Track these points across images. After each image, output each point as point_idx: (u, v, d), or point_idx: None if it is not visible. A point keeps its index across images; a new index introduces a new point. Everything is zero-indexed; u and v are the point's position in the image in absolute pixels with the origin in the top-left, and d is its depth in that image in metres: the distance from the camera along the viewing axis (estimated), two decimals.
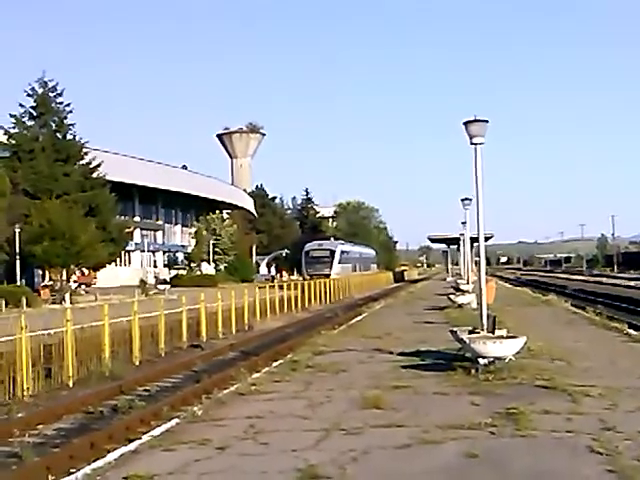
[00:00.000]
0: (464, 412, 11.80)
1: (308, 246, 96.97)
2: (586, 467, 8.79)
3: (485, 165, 18.19)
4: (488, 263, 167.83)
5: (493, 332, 16.36)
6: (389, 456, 9.55)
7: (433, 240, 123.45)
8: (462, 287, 42.72)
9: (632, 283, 70.54)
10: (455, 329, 17.41)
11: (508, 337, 15.81)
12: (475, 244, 38.40)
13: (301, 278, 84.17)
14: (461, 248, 65.92)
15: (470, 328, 17.35)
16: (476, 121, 17.58)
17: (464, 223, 44.14)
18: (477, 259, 24.57)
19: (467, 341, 15.51)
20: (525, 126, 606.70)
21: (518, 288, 68.32)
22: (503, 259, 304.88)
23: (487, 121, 17.73)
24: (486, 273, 20.33)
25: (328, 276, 78.59)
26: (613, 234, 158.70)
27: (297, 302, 53.45)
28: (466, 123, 17.63)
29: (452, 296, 37.68)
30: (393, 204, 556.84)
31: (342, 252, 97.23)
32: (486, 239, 20.40)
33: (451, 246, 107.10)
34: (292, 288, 53.77)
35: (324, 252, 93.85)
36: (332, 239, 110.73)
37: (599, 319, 28.72)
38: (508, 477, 8.58)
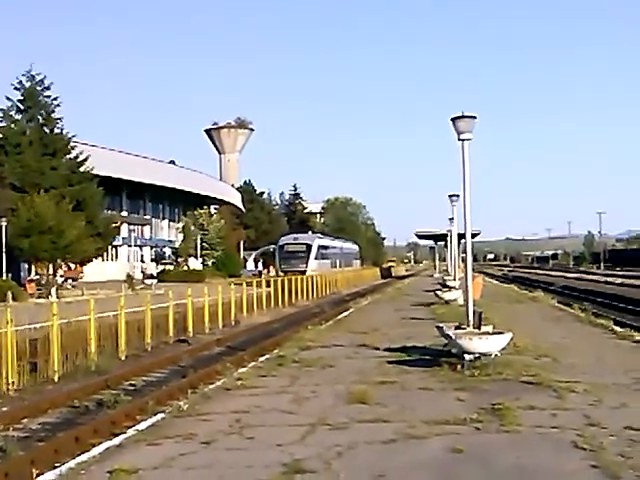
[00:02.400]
0: (449, 407, 11.82)
1: (283, 240, 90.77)
2: (570, 462, 8.82)
3: (473, 161, 18.24)
4: (475, 260, 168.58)
5: (479, 328, 16.38)
6: (375, 451, 9.55)
7: (420, 236, 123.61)
8: (449, 283, 42.80)
9: (618, 280, 70.77)
10: (441, 325, 17.42)
11: (494, 333, 15.83)
12: (462, 240, 38.45)
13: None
14: (448, 244, 66.05)
15: (456, 324, 17.40)
16: (464, 117, 17.62)
17: (451, 219, 44.27)
18: (464, 255, 24.61)
19: (453, 337, 15.53)
20: (512, 122, 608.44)
21: (505, 285, 68.42)
22: (490, 256, 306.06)
23: (475, 117, 17.78)
24: (473, 270, 20.42)
25: (304, 272, 73.12)
26: (600, 231, 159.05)
27: (284, 297, 53.45)
28: (454, 119, 17.67)
29: (439, 292, 37.71)
30: (381, 200, 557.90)
31: (320, 247, 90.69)
32: (473, 236, 20.47)
33: (438, 242, 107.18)
34: (279, 283, 53.62)
35: (300, 246, 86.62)
36: (310, 233, 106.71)
37: (585, 316, 28.78)
38: (493, 472, 8.59)
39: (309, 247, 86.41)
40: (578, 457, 9.00)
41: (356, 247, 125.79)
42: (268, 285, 52.07)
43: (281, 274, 71.69)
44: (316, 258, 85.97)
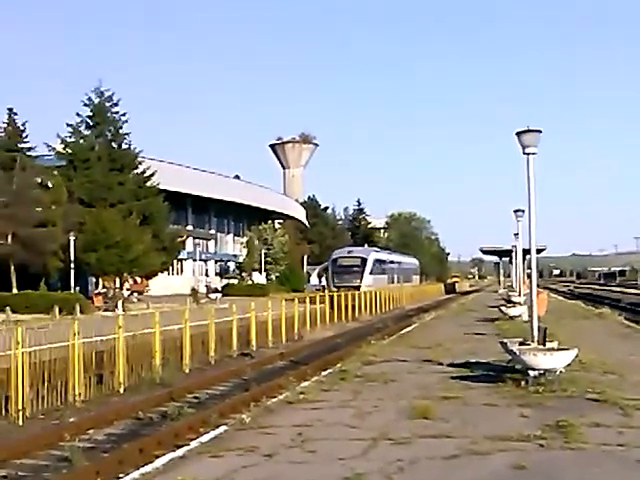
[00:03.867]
0: (513, 424, 11.69)
1: (336, 253, 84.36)
2: None
3: (538, 175, 18.07)
4: (540, 275, 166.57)
5: (544, 344, 16.20)
6: (437, 466, 9.49)
7: (485, 252, 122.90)
8: (513, 299, 42.44)
9: None
10: (505, 340, 17.28)
11: (559, 349, 15.65)
12: (527, 256, 38.02)
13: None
14: (513, 260, 65.42)
15: (521, 340, 17.23)
16: (529, 131, 17.45)
17: (516, 235, 43.75)
18: (529, 271, 24.34)
19: (517, 353, 15.38)
20: (579, 135, 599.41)
21: (571, 301, 67.56)
22: (556, 272, 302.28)
23: (540, 131, 17.60)
24: (538, 285, 20.22)
25: (358, 288, 68.10)
26: None
27: (347, 312, 53.39)
28: (519, 133, 17.51)
29: (503, 308, 37.42)
30: (445, 215, 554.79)
31: (376, 261, 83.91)
32: (538, 251, 20.26)
33: (503, 258, 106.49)
34: (342, 298, 53.57)
35: (354, 260, 79.83)
36: (366, 246, 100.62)
37: None
38: None
39: (364, 261, 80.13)
40: None
41: (416, 262, 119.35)
42: (332, 301, 51.83)
43: (334, 289, 67.20)
44: (371, 273, 79.88)
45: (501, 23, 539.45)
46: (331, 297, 52.47)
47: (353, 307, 55.65)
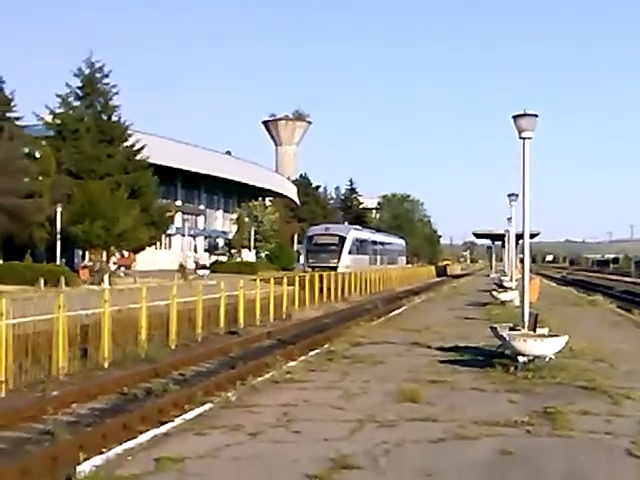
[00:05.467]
0: (501, 409, 11.76)
1: (312, 230, 78.57)
2: (623, 470, 8.73)
3: (533, 160, 18.08)
4: (533, 261, 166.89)
5: (534, 330, 16.29)
6: (422, 450, 9.55)
7: (478, 235, 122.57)
8: (505, 284, 42.50)
9: None
10: (496, 326, 17.34)
11: (549, 336, 15.74)
12: (520, 241, 38.03)
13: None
14: (506, 244, 65.53)
15: (511, 325, 17.30)
16: (525, 115, 17.48)
17: (510, 219, 43.70)
18: (522, 256, 24.40)
19: (507, 338, 15.45)
20: (575, 121, 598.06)
21: (563, 287, 67.72)
22: (549, 257, 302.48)
23: (536, 115, 17.62)
24: (531, 271, 20.28)
25: (335, 269, 63.81)
26: None
27: (336, 293, 53.45)
28: (515, 117, 17.53)
29: (495, 292, 37.52)
30: (439, 198, 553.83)
31: (355, 240, 77.43)
32: (532, 236, 20.30)
33: (496, 242, 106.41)
34: (331, 278, 53.54)
35: (332, 238, 73.51)
36: (346, 224, 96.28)
37: None
38: (542, 476, 8.54)
39: (343, 239, 73.83)
40: (632, 465, 8.90)
41: (402, 242, 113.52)
42: (321, 281, 51.60)
43: (308, 269, 64.18)
44: (350, 253, 73.88)
45: (501, 3, 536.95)
46: (320, 277, 51.76)
47: (343, 288, 55.65)
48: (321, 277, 50.96)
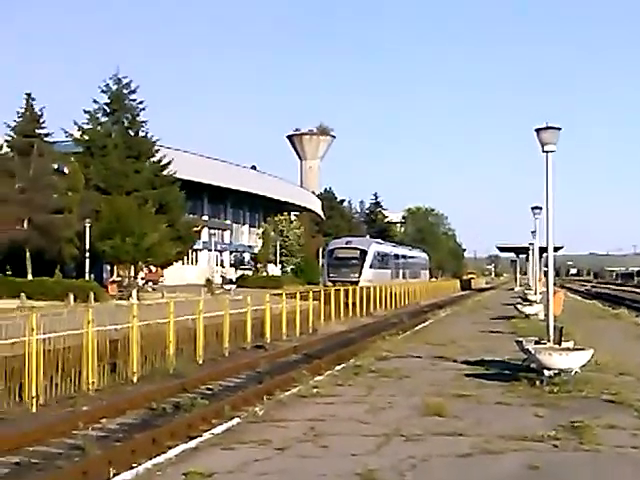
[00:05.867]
0: (527, 423, 11.70)
1: (333, 243, 76.52)
2: None
3: (557, 172, 18.04)
4: (557, 274, 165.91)
5: (560, 344, 16.19)
6: (449, 464, 9.52)
7: (502, 249, 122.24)
8: (530, 297, 42.34)
9: None
10: (521, 339, 17.31)
11: (575, 349, 15.64)
12: (544, 254, 37.81)
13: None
14: (530, 258, 65.25)
15: (536, 339, 17.23)
16: (548, 128, 17.42)
17: (534, 232, 43.65)
18: (546, 269, 24.28)
19: (532, 352, 15.38)
20: (597, 133, 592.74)
21: (588, 300, 67.31)
22: (573, 270, 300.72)
23: (559, 128, 17.56)
24: (555, 284, 20.19)
25: (356, 283, 60.98)
26: None
27: (362, 307, 53.33)
28: (538, 130, 17.48)
29: (519, 306, 37.38)
30: (463, 211, 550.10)
31: (377, 253, 75.16)
32: (555, 249, 20.22)
33: (520, 255, 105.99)
34: (356, 293, 53.33)
35: (353, 252, 71.22)
36: (368, 237, 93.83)
37: None
38: None
39: (364, 253, 71.51)
40: None
41: (425, 256, 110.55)
42: (346, 296, 51.16)
43: (329, 284, 61.90)
44: (372, 267, 71.63)
45: (527, 13, 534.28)
46: (346, 292, 50.91)
47: (367, 302, 55.47)
48: (346, 292, 50.56)
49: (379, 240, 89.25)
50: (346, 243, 74.92)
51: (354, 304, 51.30)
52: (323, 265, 75.80)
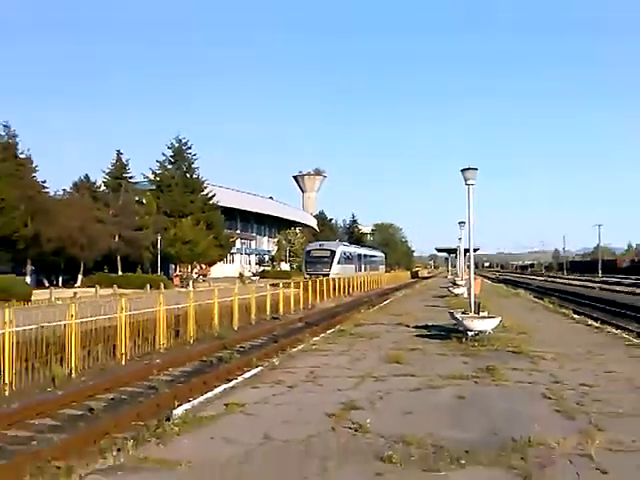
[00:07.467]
0: (457, 367, 11.65)
1: (310, 246, 71.60)
2: (540, 408, 8.63)
3: (476, 193, 17.95)
4: (476, 267, 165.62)
5: (478, 313, 16.19)
6: (405, 396, 9.45)
7: (439, 250, 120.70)
8: (458, 283, 42.20)
9: (576, 282, 69.13)
10: (452, 311, 17.25)
11: (488, 317, 15.61)
12: (467, 253, 37.98)
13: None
14: (458, 256, 65.10)
15: (462, 310, 17.21)
16: (469, 169, 17.39)
17: (460, 239, 43.64)
18: (469, 264, 24.30)
19: (460, 319, 15.35)
20: (507, 165, 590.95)
21: (496, 284, 67.28)
22: (487, 264, 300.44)
23: (476, 169, 17.49)
24: (475, 273, 20.11)
25: (327, 275, 56.62)
26: (564, 248, 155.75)
27: (342, 291, 53.10)
28: (463, 170, 17.45)
29: (451, 288, 37.35)
30: (413, 223, 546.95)
31: (343, 252, 69.85)
32: (475, 250, 20.18)
33: (451, 254, 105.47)
34: (330, 283, 52.09)
35: (324, 252, 66.53)
36: (338, 241, 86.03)
37: (552, 307, 28.19)
38: (486, 412, 8.45)
39: (333, 253, 66.67)
40: (546, 404, 8.81)
41: (381, 254, 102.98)
42: (321, 285, 49.54)
43: (306, 276, 57.59)
44: (339, 263, 66.70)
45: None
46: (320, 282, 46.46)
47: (349, 287, 55.31)
48: (321, 282, 46.80)
49: (346, 243, 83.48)
50: (320, 245, 69.93)
51: (327, 290, 48.03)
52: (302, 262, 69.82)
